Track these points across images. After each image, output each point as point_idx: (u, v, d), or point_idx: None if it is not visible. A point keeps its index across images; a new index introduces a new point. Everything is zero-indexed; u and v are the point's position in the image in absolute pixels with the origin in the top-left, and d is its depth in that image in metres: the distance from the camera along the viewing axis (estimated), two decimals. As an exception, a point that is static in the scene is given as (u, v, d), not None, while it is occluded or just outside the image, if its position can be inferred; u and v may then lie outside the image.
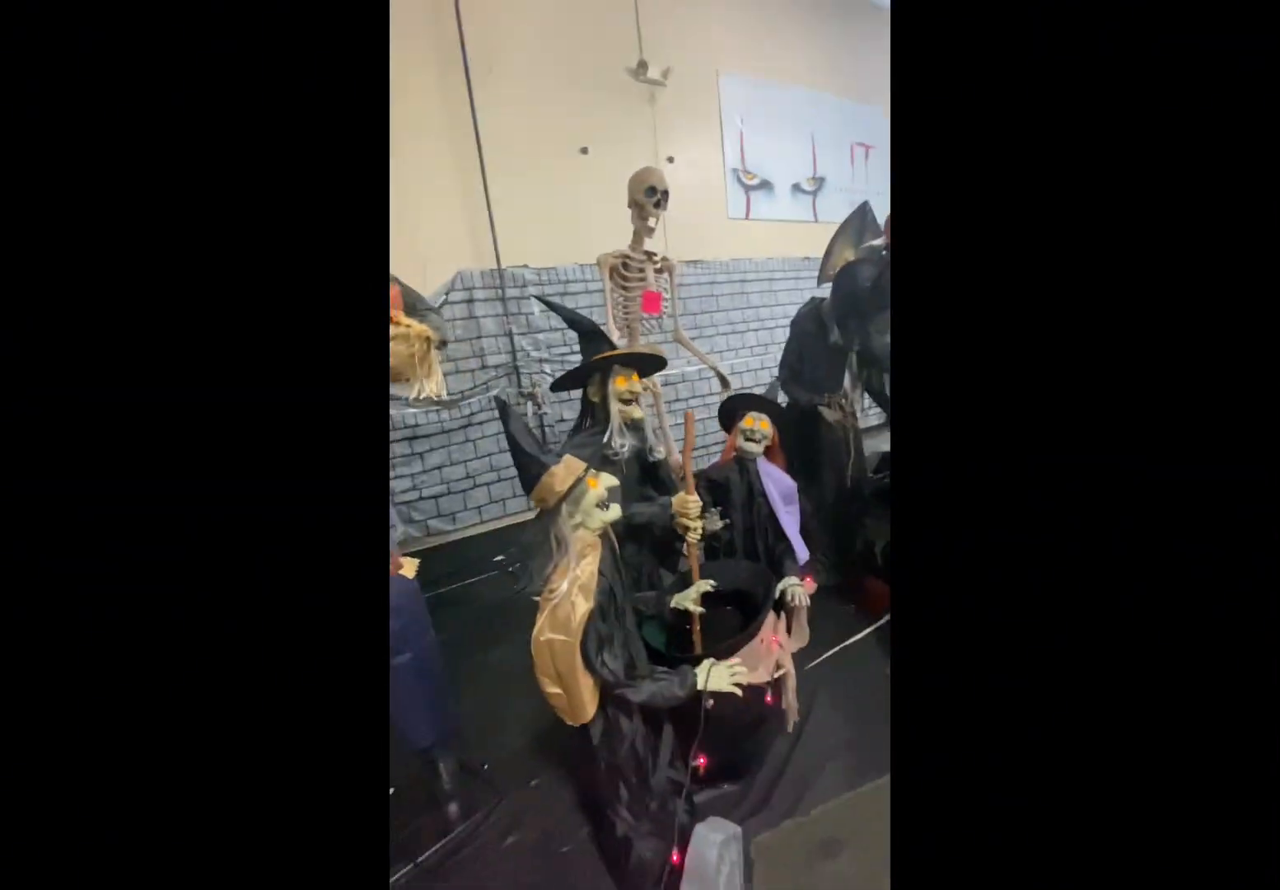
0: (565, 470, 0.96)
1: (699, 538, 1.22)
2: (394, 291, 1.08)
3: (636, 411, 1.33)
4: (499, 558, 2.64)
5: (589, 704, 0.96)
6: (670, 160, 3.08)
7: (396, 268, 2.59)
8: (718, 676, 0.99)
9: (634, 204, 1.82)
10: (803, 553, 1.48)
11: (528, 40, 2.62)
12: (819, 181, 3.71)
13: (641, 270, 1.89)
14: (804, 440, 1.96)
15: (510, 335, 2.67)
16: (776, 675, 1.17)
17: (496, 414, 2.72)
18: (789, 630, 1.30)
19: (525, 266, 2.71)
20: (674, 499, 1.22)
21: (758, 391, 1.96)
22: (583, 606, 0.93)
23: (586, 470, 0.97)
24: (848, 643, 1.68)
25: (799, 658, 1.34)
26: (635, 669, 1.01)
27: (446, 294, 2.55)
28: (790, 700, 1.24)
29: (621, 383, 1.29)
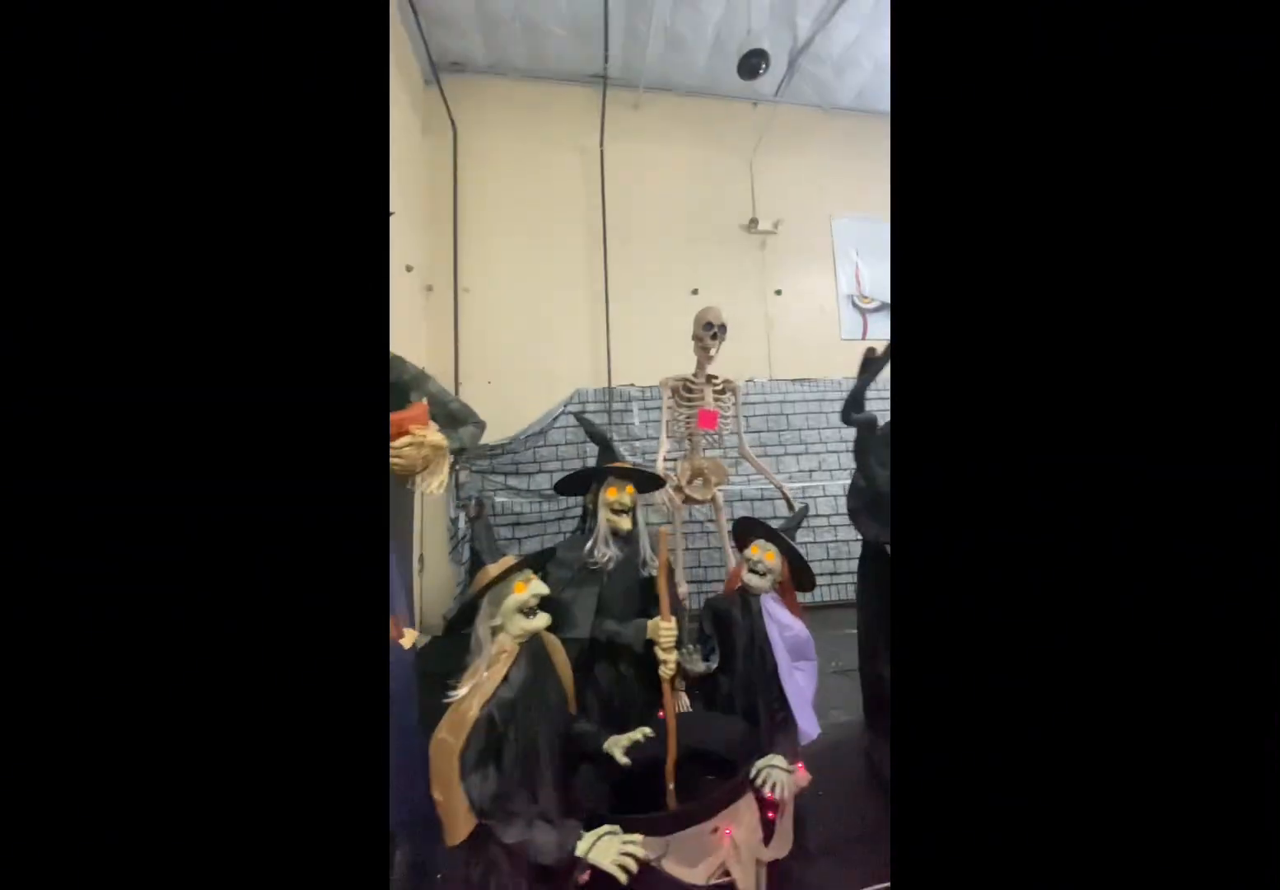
0: (496, 567, 0.94)
1: (671, 674, 1.07)
2: (420, 408, 1.20)
3: (625, 523, 1.29)
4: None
5: (461, 826, 0.84)
6: (778, 293, 3.35)
7: (534, 386, 3.11)
8: (603, 848, 0.79)
9: (695, 337, 2.05)
10: (809, 727, 1.15)
11: (655, 204, 3.30)
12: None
13: (700, 391, 2.05)
14: (873, 582, 1.64)
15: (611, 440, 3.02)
16: (715, 880, 0.85)
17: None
18: (767, 830, 0.94)
19: (631, 385, 3.11)
20: (649, 622, 1.11)
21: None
22: (473, 713, 0.86)
23: (518, 570, 0.94)
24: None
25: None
26: (510, 802, 0.86)
27: (565, 406, 3.06)
28: None
29: (612, 493, 1.27)
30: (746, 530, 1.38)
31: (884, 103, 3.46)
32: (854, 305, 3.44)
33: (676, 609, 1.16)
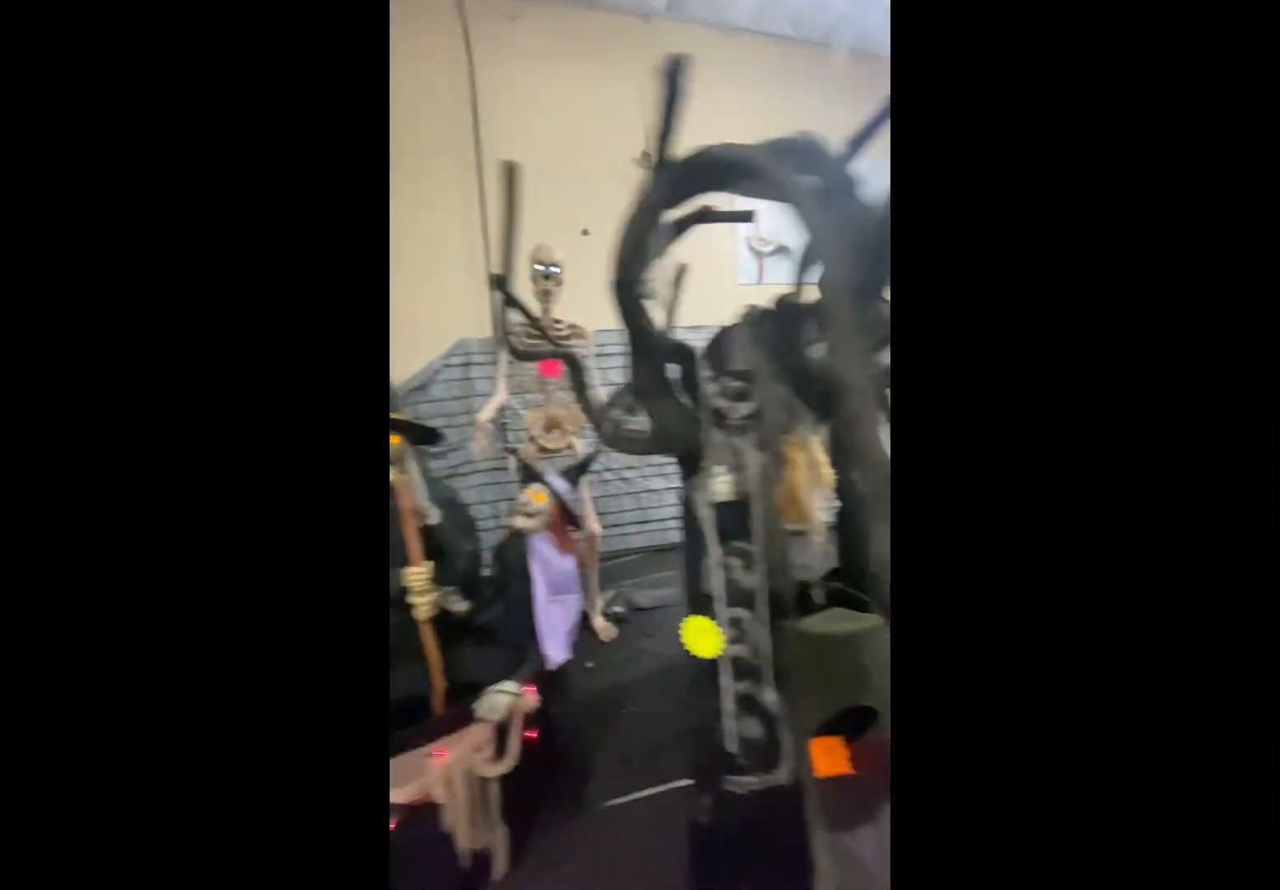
0: None
1: (426, 616, 1.13)
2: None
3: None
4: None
5: None
6: (674, 234, 3.23)
7: (402, 337, 2.91)
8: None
9: (531, 279, 1.95)
10: (555, 654, 1.27)
11: (537, 133, 3.03)
12: (850, 243, 3.56)
13: (537, 338, 1.97)
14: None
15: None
16: (420, 801, 0.89)
17: (480, 467, 2.93)
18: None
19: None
20: (402, 570, 1.14)
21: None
22: None
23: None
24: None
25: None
26: None
27: (447, 358, 2.90)
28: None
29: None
30: (528, 476, 1.50)
31: (780, 25, 3.27)
32: (750, 248, 3.37)
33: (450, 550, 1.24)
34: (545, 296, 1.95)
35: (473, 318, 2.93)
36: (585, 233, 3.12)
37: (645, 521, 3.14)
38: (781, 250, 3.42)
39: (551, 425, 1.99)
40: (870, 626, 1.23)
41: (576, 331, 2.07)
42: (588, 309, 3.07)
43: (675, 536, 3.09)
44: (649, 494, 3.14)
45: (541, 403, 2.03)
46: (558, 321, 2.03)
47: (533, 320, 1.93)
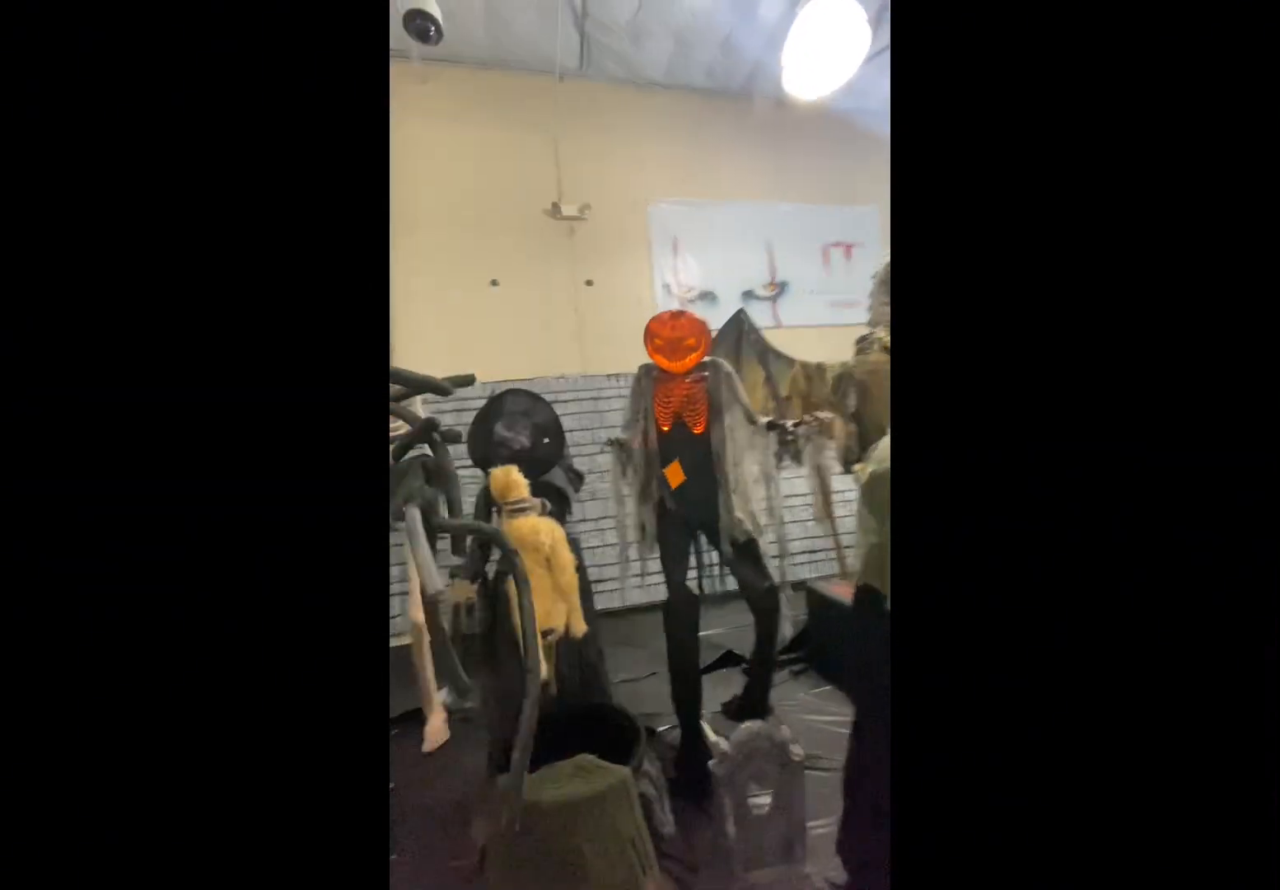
0: None
1: None
2: None
3: None
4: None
5: None
6: (589, 283, 3.18)
7: None
8: None
9: None
10: None
11: (448, 190, 3.04)
12: (780, 286, 3.46)
13: None
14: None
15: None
16: None
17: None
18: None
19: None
20: None
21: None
22: None
23: None
24: None
25: None
26: None
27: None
28: None
29: None
30: None
31: (695, 77, 3.32)
32: (672, 294, 3.30)
33: None
34: None
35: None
36: (494, 284, 3.11)
37: (599, 580, 2.93)
38: (705, 296, 3.34)
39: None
40: (603, 789, 1.02)
41: None
42: (496, 359, 3.04)
43: (634, 595, 2.88)
44: (604, 550, 2.95)
45: None
46: None
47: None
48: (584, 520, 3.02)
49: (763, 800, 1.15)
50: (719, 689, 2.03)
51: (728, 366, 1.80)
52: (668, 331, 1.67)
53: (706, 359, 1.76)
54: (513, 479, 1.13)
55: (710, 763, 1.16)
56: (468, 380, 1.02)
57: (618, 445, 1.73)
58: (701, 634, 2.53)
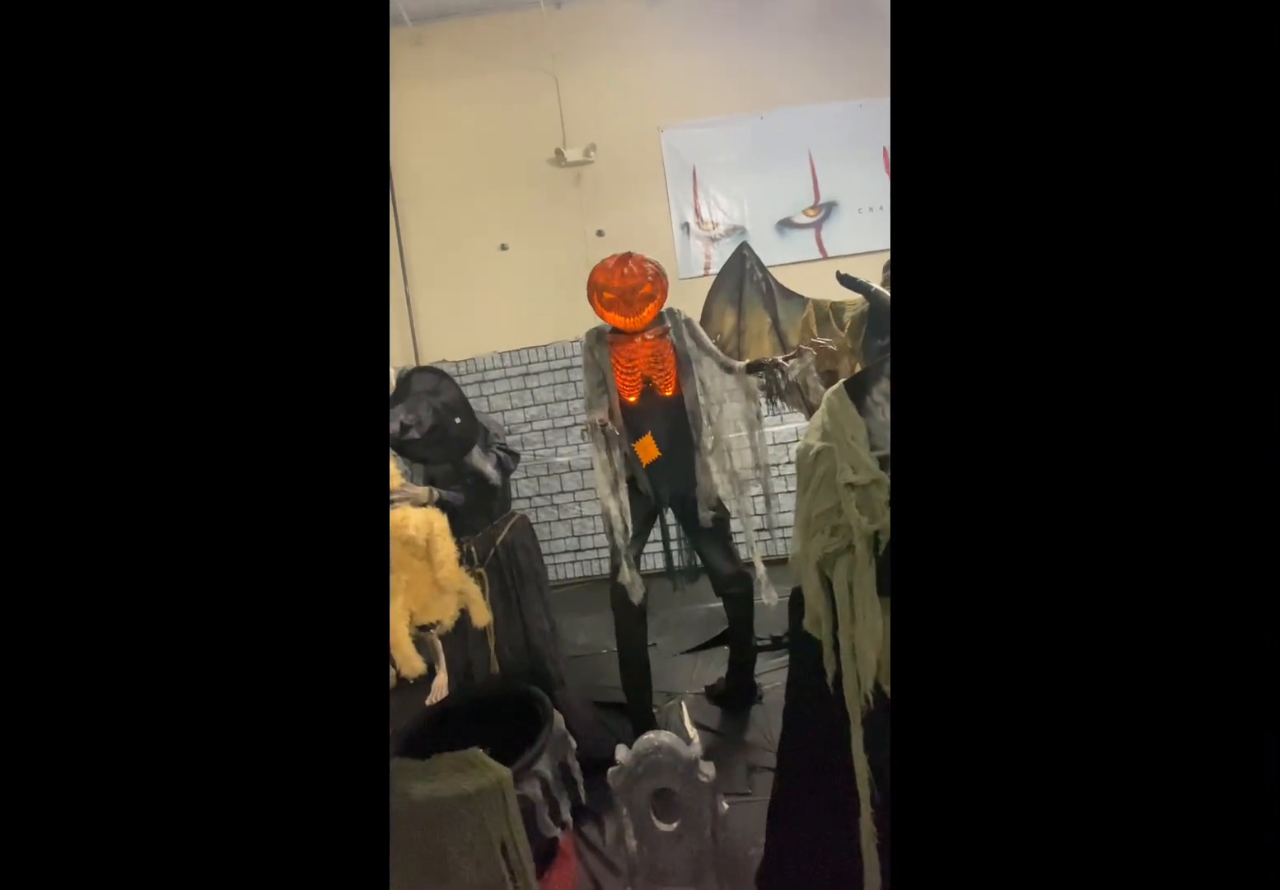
0: None
1: None
2: None
3: None
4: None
5: None
6: (600, 234, 2.92)
7: None
8: None
9: None
10: None
11: (451, 150, 2.94)
12: (825, 209, 2.87)
13: None
14: None
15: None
16: None
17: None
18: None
19: (443, 361, 2.96)
20: None
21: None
22: None
23: None
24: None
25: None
26: None
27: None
28: None
29: None
30: None
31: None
32: (690, 234, 2.91)
33: None
34: None
35: (398, 347, 3.00)
36: (504, 248, 3.00)
37: (579, 550, 2.94)
38: (734, 231, 2.90)
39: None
40: (471, 790, 0.96)
41: None
42: (510, 326, 2.98)
43: (605, 566, 2.85)
44: (582, 520, 2.93)
45: None
46: None
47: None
48: (561, 492, 2.96)
49: (670, 822, 1.03)
50: (711, 668, 1.90)
51: (684, 313, 1.52)
52: (617, 281, 1.43)
53: (661, 310, 1.51)
54: None
55: (609, 770, 1.06)
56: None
57: (600, 428, 1.43)
58: (704, 607, 2.41)
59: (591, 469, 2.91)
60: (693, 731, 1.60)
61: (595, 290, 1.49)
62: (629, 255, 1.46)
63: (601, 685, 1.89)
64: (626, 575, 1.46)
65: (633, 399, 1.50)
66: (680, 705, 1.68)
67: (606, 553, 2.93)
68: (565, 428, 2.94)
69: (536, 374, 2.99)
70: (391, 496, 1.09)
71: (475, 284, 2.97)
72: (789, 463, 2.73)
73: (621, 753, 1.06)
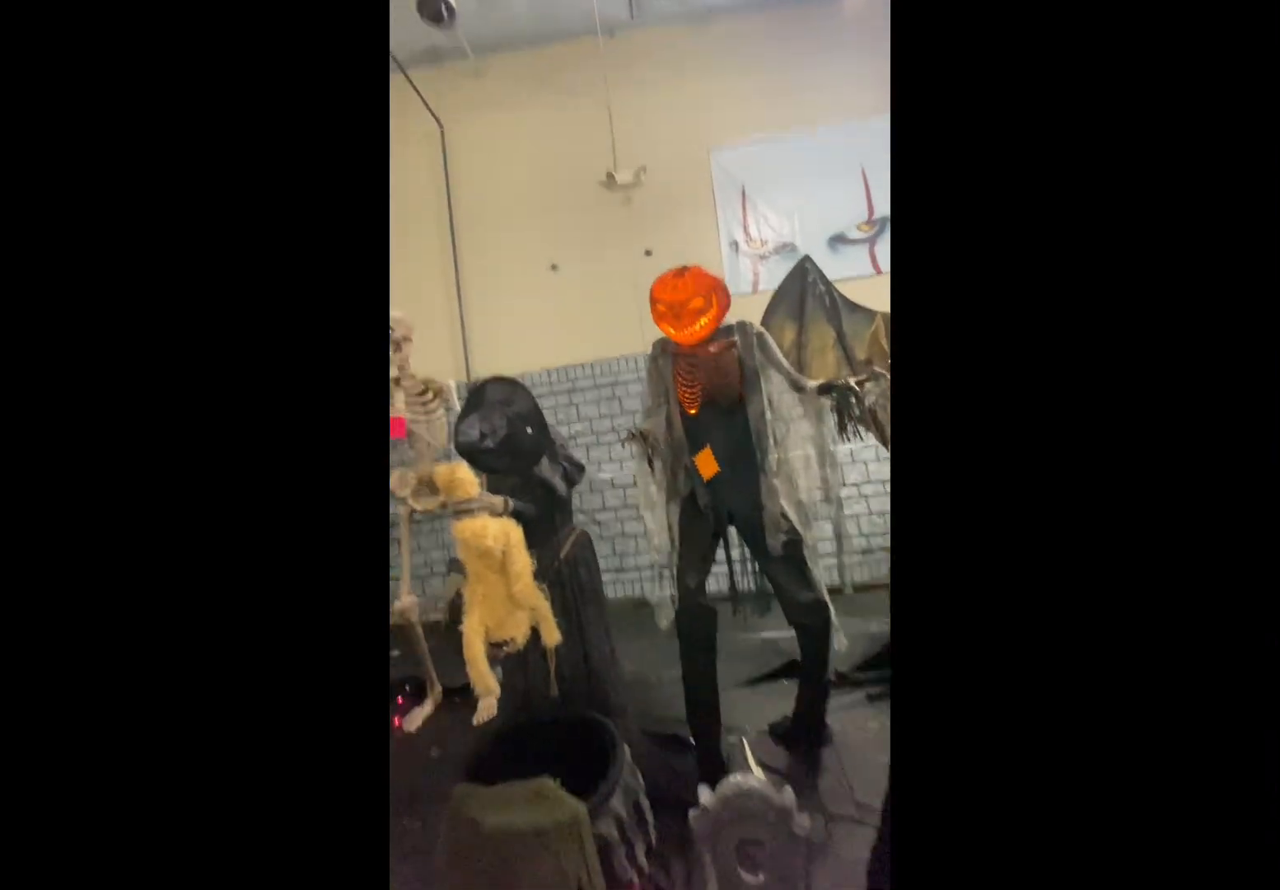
0: None
1: None
2: None
3: None
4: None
5: None
6: (648, 253, 2.94)
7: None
8: None
9: None
10: None
11: (505, 177, 3.05)
12: (879, 224, 2.82)
13: (394, 396, 1.89)
14: None
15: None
16: None
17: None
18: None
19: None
20: None
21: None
22: None
23: None
24: None
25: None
26: None
27: (431, 405, 3.06)
28: None
29: None
30: None
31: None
32: (740, 252, 2.90)
33: None
34: (392, 356, 1.88)
35: (450, 362, 3.06)
36: (554, 268, 3.05)
37: (620, 569, 2.87)
38: (783, 249, 2.88)
39: (421, 483, 1.92)
40: (549, 825, 0.89)
41: (432, 386, 1.98)
42: (558, 344, 3.00)
43: (644, 588, 2.77)
44: (624, 538, 2.87)
45: (412, 460, 1.98)
46: (413, 377, 1.97)
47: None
48: (603, 509, 2.91)
49: (755, 873, 0.93)
50: (772, 703, 1.77)
51: (757, 327, 1.46)
52: (668, 294, 1.38)
53: (732, 321, 1.46)
54: (458, 477, 1.05)
55: (690, 813, 0.97)
56: None
57: (640, 437, 1.42)
58: (763, 636, 2.27)
59: (635, 487, 2.91)
60: (758, 771, 1.49)
61: (651, 302, 1.46)
62: (685, 269, 1.42)
63: (654, 715, 1.80)
64: (655, 595, 1.40)
65: (693, 411, 1.45)
66: (742, 742, 1.57)
67: (649, 573, 2.91)
68: (609, 444, 2.91)
69: (582, 390, 3.00)
70: (470, 504, 1.06)
71: (526, 303, 3.03)
72: (868, 482, 2.66)
73: (705, 795, 0.97)
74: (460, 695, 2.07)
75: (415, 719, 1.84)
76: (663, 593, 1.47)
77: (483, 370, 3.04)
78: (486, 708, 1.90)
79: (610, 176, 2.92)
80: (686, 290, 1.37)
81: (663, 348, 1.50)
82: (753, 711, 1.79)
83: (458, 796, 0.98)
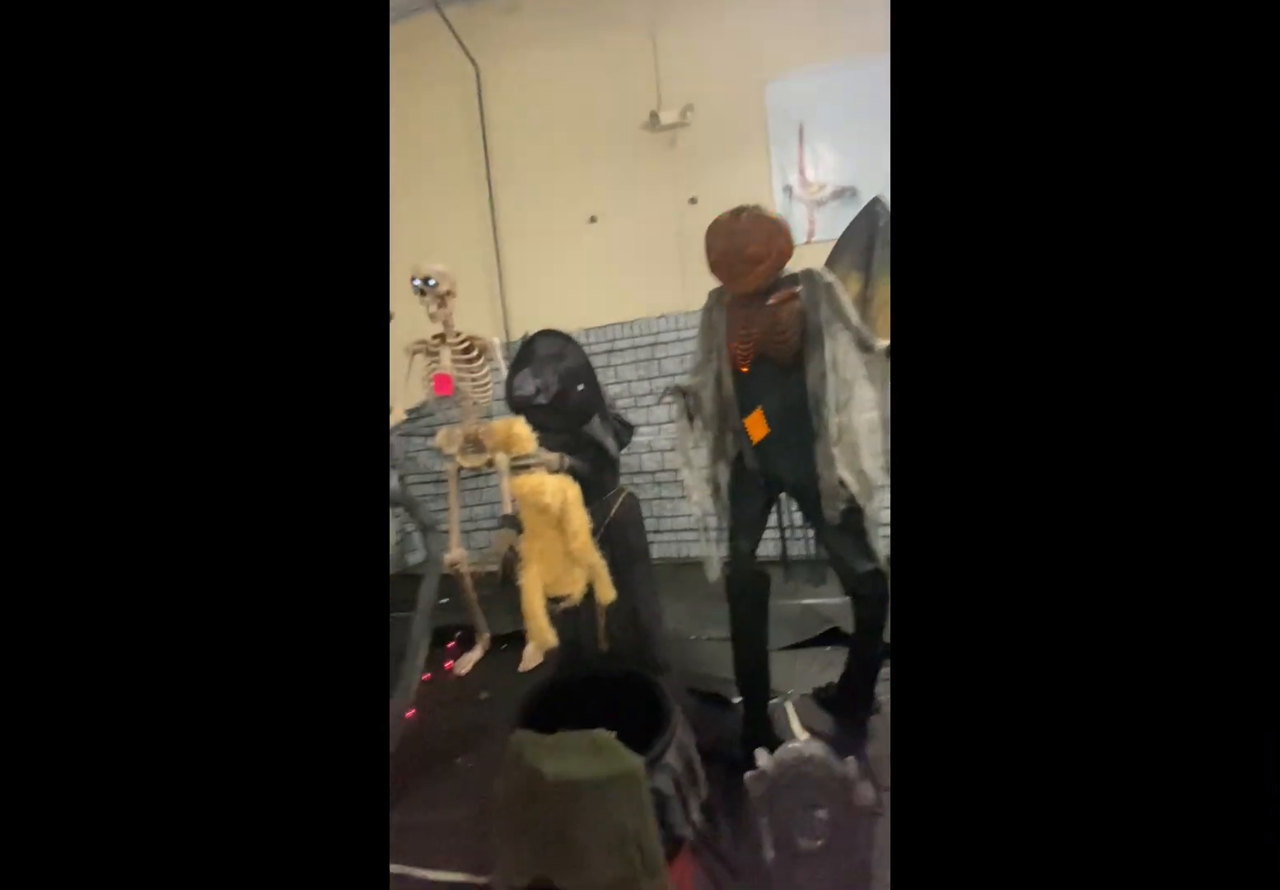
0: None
1: None
2: None
3: None
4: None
5: None
6: (693, 201, 2.75)
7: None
8: None
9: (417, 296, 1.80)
10: None
11: (543, 120, 2.87)
12: (952, 166, 2.54)
13: (436, 353, 1.85)
14: None
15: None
16: None
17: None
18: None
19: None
20: None
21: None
22: None
23: None
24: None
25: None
26: None
27: (470, 365, 3.04)
28: None
29: None
30: None
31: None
32: (795, 198, 2.68)
33: None
34: (437, 311, 1.81)
35: (488, 319, 3.00)
36: (593, 220, 2.90)
37: (657, 532, 2.86)
38: (842, 193, 2.64)
39: (468, 441, 1.91)
40: (605, 777, 0.89)
41: (477, 343, 1.92)
42: (597, 302, 2.89)
43: (693, 549, 2.76)
44: (660, 501, 2.84)
45: (459, 418, 1.96)
46: (441, 337, 1.91)
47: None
48: (640, 472, 2.85)
49: (814, 838, 0.93)
50: (814, 669, 1.76)
51: (827, 276, 1.32)
52: (722, 239, 1.25)
53: (797, 270, 1.33)
54: (514, 432, 1.01)
55: (746, 775, 0.96)
56: None
57: (680, 394, 1.37)
58: (804, 602, 2.24)
59: (672, 450, 2.86)
60: (803, 735, 1.48)
61: (706, 247, 1.33)
62: (743, 209, 1.27)
63: (693, 673, 1.82)
64: (703, 550, 1.36)
65: (745, 368, 1.33)
66: (787, 706, 1.56)
67: (686, 536, 2.90)
68: (647, 407, 2.85)
69: (620, 351, 2.91)
70: (527, 460, 1.03)
71: (565, 258, 2.91)
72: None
73: (762, 758, 0.96)
74: (507, 643, 2.18)
75: (465, 663, 1.93)
76: (709, 548, 1.43)
77: (519, 329, 2.98)
78: (532, 656, 1.96)
79: (654, 116, 2.71)
80: (744, 234, 1.23)
81: (717, 298, 1.38)
82: (795, 677, 1.79)
83: (516, 743, 1.00)
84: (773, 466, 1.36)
